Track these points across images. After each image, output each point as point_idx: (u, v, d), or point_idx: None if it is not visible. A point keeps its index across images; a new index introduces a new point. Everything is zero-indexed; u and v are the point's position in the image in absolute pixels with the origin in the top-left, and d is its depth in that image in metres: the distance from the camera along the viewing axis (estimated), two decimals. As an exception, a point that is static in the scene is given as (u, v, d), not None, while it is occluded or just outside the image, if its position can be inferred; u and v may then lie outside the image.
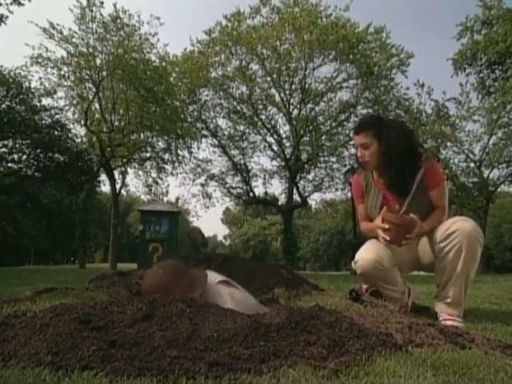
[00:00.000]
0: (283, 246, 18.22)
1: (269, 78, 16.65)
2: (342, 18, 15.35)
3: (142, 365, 0.95)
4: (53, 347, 1.01)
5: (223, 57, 16.15)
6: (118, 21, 13.68)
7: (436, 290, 2.05)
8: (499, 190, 20.28)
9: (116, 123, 15.31)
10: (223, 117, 17.37)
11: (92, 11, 13.26)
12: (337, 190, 18.17)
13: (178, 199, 20.11)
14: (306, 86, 16.66)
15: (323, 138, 16.96)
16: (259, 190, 20.57)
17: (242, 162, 17.76)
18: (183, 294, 1.50)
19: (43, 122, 14.02)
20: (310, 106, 17.22)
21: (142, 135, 16.17)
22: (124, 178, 17.82)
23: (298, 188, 17.54)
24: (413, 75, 16.42)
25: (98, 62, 13.84)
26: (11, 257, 25.73)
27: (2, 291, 2.61)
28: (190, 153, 17.03)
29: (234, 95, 16.80)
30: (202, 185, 17.87)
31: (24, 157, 14.57)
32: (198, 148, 17.55)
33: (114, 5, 13.56)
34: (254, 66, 16.57)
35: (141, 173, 17.61)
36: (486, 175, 18.62)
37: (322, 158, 17.37)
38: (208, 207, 18.23)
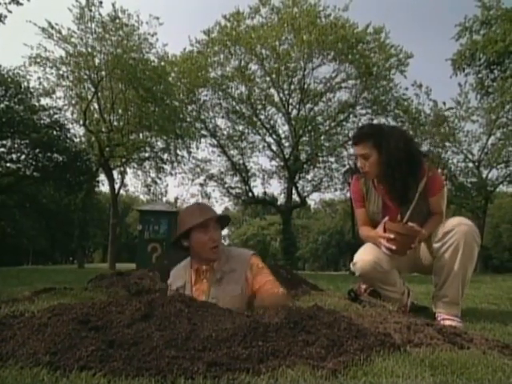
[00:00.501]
0: (282, 246, 18.23)
1: (268, 78, 16.66)
2: (341, 19, 15.38)
3: (141, 365, 0.95)
4: (51, 347, 1.01)
5: (222, 57, 16.16)
6: (117, 20, 13.68)
7: (434, 289, 2.05)
8: (498, 190, 20.36)
9: (115, 123, 15.30)
10: (222, 117, 17.39)
11: (91, 11, 13.27)
12: (336, 190, 18.22)
13: (176, 199, 20.18)
14: (305, 86, 16.67)
15: (322, 138, 16.97)
16: (258, 190, 20.67)
17: (241, 161, 17.77)
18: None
19: (42, 121, 13.99)
20: (309, 106, 17.24)
21: (140, 135, 16.17)
22: (123, 178, 17.84)
23: (296, 188, 17.55)
24: (412, 75, 16.51)
25: (97, 61, 13.83)
26: (10, 257, 25.70)
27: (0, 291, 2.61)
28: (189, 153, 17.06)
29: (233, 95, 16.81)
30: (201, 185, 17.89)
31: (23, 157, 14.55)
32: (197, 148, 17.60)
33: (113, 4, 13.59)
34: (253, 66, 16.61)
35: (140, 173, 17.64)
36: (484, 175, 18.68)
37: (320, 158, 17.39)
38: (207, 207, 18.20)
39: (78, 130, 16.00)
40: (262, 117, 17.29)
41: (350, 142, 15.67)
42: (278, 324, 1.20)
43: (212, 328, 1.14)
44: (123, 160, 16.31)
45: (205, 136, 17.32)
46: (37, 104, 14.28)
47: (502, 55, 12.14)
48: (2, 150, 14.27)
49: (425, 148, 16.28)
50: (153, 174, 17.56)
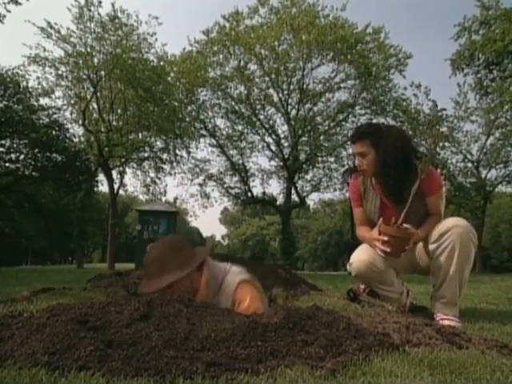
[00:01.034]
0: (281, 246, 18.23)
1: (267, 78, 16.66)
2: (340, 19, 15.37)
3: (139, 365, 0.95)
4: (50, 347, 1.01)
5: (221, 57, 16.16)
6: (116, 20, 13.67)
7: (432, 290, 2.06)
8: (497, 190, 20.39)
9: (114, 123, 15.30)
10: (221, 117, 17.40)
11: (90, 11, 13.27)
12: (335, 190, 18.24)
13: (176, 199, 20.10)
14: (305, 86, 16.69)
15: (321, 138, 16.99)
16: (257, 190, 20.67)
17: (241, 161, 17.77)
18: (179, 265, 1.52)
19: (41, 121, 13.98)
20: (308, 106, 17.24)
21: (140, 135, 16.17)
22: (122, 178, 17.83)
23: (296, 188, 17.56)
24: (411, 75, 16.53)
25: (96, 61, 13.83)
26: (9, 257, 25.66)
27: (-1, 291, 2.61)
28: (188, 153, 17.06)
29: (232, 95, 16.82)
30: (200, 185, 17.89)
31: (22, 156, 14.54)
32: (196, 148, 17.62)
33: (112, 4, 13.59)
34: (253, 66, 16.61)
35: (139, 172, 17.63)
36: (483, 175, 18.71)
37: (320, 158, 17.40)
38: (206, 207, 18.27)
39: (77, 130, 16.03)
40: (262, 117, 17.30)
41: (349, 142, 15.66)
42: (276, 324, 1.20)
43: (211, 328, 1.14)
44: (122, 160, 16.30)
45: (204, 136, 17.33)
46: (36, 104, 14.27)
47: (501, 55, 12.16)
48: (1, 149, 14.26)
49: (423, 149, 16.31)
50: (152, 174, 17.57)
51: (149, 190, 17.67)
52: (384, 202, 2.17)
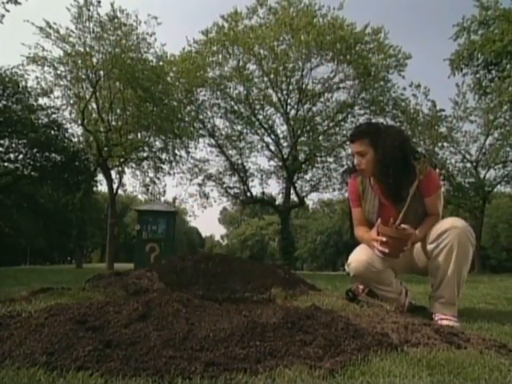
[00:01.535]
0: (280, 246, 18.21)
1: (266, 78, 16.64)
2: (338, 19, 15.36)
3: (138, 365, 0.95)
4: (48, 347, 1.01)
5: (220, 57, 16.13)
6: (116, 20, 13.64)
7: (430, 290, 2.06)
8: (495, 190, 20.42)
9: (113, 123, 15.27)
10: (220, 117, 17.36)
11: (89, 10, 13.22)
12: (334, 190, 18.21)
13: (175, 199, 20.08)
14: (304, 86, 16.67)
15: (320, 138, 16.97)
16: (256, 190, 20.63)
17: (240, 161, 17.75)
18: None
19: (40, 121, 13.95)
20: (307, 106, 17.23)
21: (139, 135, 16.14)
22: (121, 178, 17.80)
23: (295, 188, 17.54)
24: (410, 75, 16.53)
25: (95, 61, 13.79)
26: (7, 257, 25.61)
27: (-3, 291, 2.60)
28: (188, 153, 17.03)
29: (232, 95, 16.79)
30: (200, 185, 17.86)
31: (20, 156, 14.49)
32: (196, 148, 17.56)
33: (112, 4, 13.54)
34: (252, 66, 16.57)
35: (138, 172, 17.59)
36: (482, 175, 18.73)
37: (319, 158, 17.39)
38: (205, 207, 18.24)
39: (76, 130, 15.97)
40: (261, 117, 17.28)
41: (348, 142, 15.65)
42: (275, 324, 1.20)
43: (209, 328, 1.14)
44: (121, 160, 16.28)
45: (203, 136, 17.29)
46: (35, 103, 14.23)
47: (500, 55, 12.17)
48: (0, 149, 14.23)
49: (421, 149, 16.32)
50: (151, 174, 17.53)
51: (148, 189, 17.66)
52: (382, 201, 2.17)
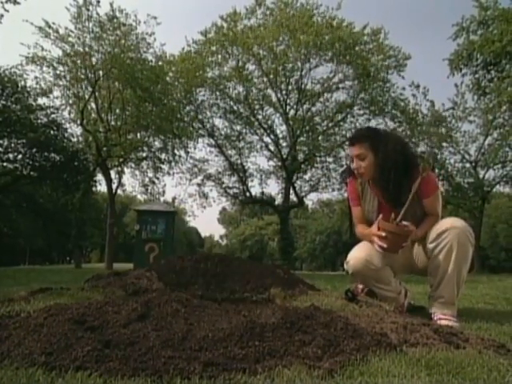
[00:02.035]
0: (280, 246, 18.20)
1: (265, 79, 16.65)
2: (336, 19, 15.37)
3: (137, 365, 0.95)
4: (47, 347, 1.01)
5: (220, 57, 16.13)
6: (115, 20, 13.63)
7: (430, 290, 2.06)
8: (495, 190, 20.44)
9: (112, 123, 15.26)
10: (220, 117, 17.36)
11: (88, 10, 13.21)
12: (333, 190, 18.23)
13: (174, 199, 20.09)
14: (303, 86, 16.68)
15: (320, 138, 16.98)
16: (256, 190, 20.61)
17: (239, 161, 17.75)
18: None
19: (39, 121, 13.93)
20: (306, 106, 17.23)
21: (138, 135, 16.12)
22: (120, 178, 17.80)
23: (294, 188, 17.55)
24: (409, 75, 16.54)
25: (94, 61, 13.78)
26: (6, 257, 25.58)
27: (-4, 291, 2.60)
28: (187, 152, 17.03)
29: (231, 95, 16.79)
30: (199, 185, 17.87)
31: (19, 156, 14.47)
32: (195, 148, 17.62)
33: (111, 4, 13.54)
34: (251, 67, 16.57)
35: (137, 172, 17.59)
36: (481, 176, 18.75)
37: (318, 158, 17.40)
38: (205, 207, 18.26)
39: (75, 130, 15.96)
40: (260, 117, 17.28)
41: (347, 143, 15.64)
42: (274, 324, 1.20)
43: (208, 328, 1.14)
44: (121, 160, 16.27)
45: (202, 136, 17.30)
46: (34, 103, 14.21)
47: (499, 56, 12.17)
48: (-1, 149, 14.22)
49: (422, 148, 16.35)
50: (150, 174, 17.53)
51: (147, 189, 17.66)
52: (381, 203, 2.18)
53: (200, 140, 17.33)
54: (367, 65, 15.28)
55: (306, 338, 1.14)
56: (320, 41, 14.67)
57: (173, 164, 17.03)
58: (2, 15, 10.35)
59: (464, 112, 17.32)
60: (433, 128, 16.14)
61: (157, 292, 2.00)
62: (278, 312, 1.30)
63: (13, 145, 14.16)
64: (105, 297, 2.02)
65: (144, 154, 16.84)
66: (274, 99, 17.16)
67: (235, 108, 16.99)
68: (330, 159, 17.57)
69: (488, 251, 34.04)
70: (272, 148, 17.66)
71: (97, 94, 14.71)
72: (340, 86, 16.77)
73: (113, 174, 16.67)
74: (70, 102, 15.46)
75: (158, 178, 17.45)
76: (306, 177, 18.19)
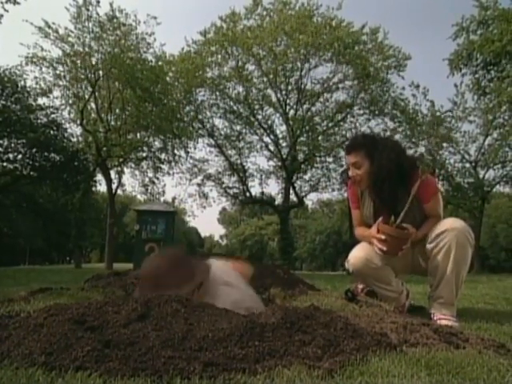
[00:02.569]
0: (280, 246, 18.21)
1: (265, 79, 16.65)
2: (335, 19, 15.37)
3: (137, 365, 0.95)
4: (47, 347, 1.01)
5: (219, 57, 16.13)
6: (115, 20, 13.64)
7: (429, 290, 2.07)
8: (494, 190, 20.45)
9: (112, 123, 15.27)
10: (220, 117, 17.37)
11: (88, 10, 13.22)
12: (333, 190, 18.23)
13: (174, 199, 20.10)
14: (303, 86, 16.69)
15: (320, 138, 16.98)
16: (256, 190, 20.60)
17: (239, 161, 17.76)
18: (176, 284, 1.46)
19: (39, 121, 13.93)
20: (306, 106, 17.24)
21: (138, 135, 16.13)
22: (120, 178, 17.80)
23: (294, 188, 17.55)
24: (409, 75, 16.54)
25: (94, 61, 13.79)
26: (6, 257, 25.57)
27: (-4, 291, 2.60)
28: (187, 152, 17.03)
29: (231, 95, 16.79)
30: (199, 185, 17.88)
31: (19, 156, 14.47)
32: (195, 148, 17.59)
33: (111, 4, 13.55)
34: (251, 67, 16.59)
35: (137, 172, 17.60)
36: (481, 176, 18.75)
37: (318, 158, 17.41)
38: (204, 207, 18.27)
39: (75, 130, 15.97)
40: (260, 117, 17.28)
41: (347, 143, 15.63)
42: (274, 324, 1.20)
43: (208, 328, 1.14)
44: (120, 160, 16.27)
45: (202, 136, 17.30)
46: (34, 103, 14.21)
47: (499, 56, 12.17)
48: (-1, 149, 14.21)
49: (422, 149, 16.34)
50: (150, 174, 17.54)
51: (147, 189, 17.67)
52: (379, 209, 2.18)
53: (200, 140, 17.35)
54: (367, 65, 15.28)
55: (306, 338, 1.14)
56: (319, 41, 14.66)
57: (173, 164, 17.06)
58: (2, 15, 10.38)
59: (464, 112, 17.32)
60: (432, 130, 16.15)
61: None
62: (277, 312, 1.30)
63: (13, 145, 14.16)
64: (105, 297, 2.02)
65: (144, 154, 16.85)
66: (274, 99, 17.17)
67: (235, 108, 16.99)
68: (329, 159, 17.59)
69: (488, 251, 34.05)
70: (272, 148, 17.67)
71: (97, 94, 14.71)
72: (340, 86, 16.78)
73: (113, 174, 16.70)
74: (70, 102, 15.47)
75: (157, 178, 17.47)
76: (306, 177, 18.21)
